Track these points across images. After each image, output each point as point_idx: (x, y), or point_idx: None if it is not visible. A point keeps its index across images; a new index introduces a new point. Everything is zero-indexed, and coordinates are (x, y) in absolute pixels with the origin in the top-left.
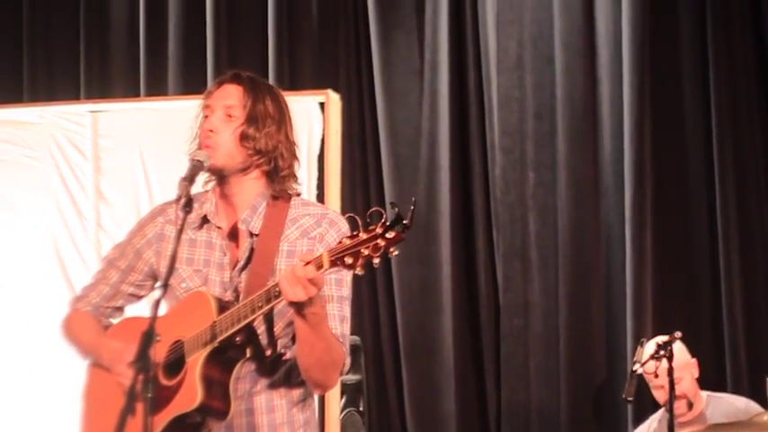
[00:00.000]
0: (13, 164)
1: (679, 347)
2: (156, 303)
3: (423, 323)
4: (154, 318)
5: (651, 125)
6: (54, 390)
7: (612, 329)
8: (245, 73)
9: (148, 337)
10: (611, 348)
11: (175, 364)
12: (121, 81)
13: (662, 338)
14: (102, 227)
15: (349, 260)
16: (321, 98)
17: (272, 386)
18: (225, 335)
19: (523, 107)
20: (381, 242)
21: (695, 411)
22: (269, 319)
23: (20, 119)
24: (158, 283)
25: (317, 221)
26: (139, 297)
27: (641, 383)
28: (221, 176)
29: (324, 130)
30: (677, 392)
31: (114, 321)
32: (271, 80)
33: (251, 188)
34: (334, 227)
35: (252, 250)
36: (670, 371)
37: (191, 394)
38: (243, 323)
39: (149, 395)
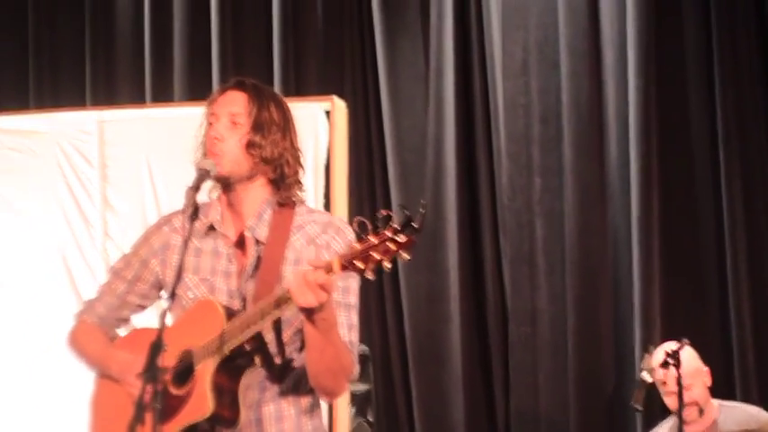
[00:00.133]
0: (19, 172)
1: (691, 355)
2: (164, 313)
3: (430, 331)
4: (162, 328)
5: (657, 129)
6: (64, 399)
7: (620, 335)
8: (249, 80)
9: (156, 348)
10: (620, 354)
11: (185, 373)
12: (127, 88)
13: (670, 345)
14: (108, 235)
15: (360, 264)
16: (327, 105)
17: (281, 395)
18: (234, 342)
19: (529, 112)
20: (392, 246)
21: (707, 419)
22: (277, 327)
23: (26, 127)
24: (164, 293)
25: (323, 229)
26: (145, 307)
27: (650, 391)
28: (227, 184)
29: (330, 137)
30: (688, 399)
31: (121, 332)
32: (276, 87)
33: (256, 196)
34: (340, 234)
35: (258, 258)
36: (678, 379)
37: (202, 403)
38: (252, 330)
39: (158, 406)
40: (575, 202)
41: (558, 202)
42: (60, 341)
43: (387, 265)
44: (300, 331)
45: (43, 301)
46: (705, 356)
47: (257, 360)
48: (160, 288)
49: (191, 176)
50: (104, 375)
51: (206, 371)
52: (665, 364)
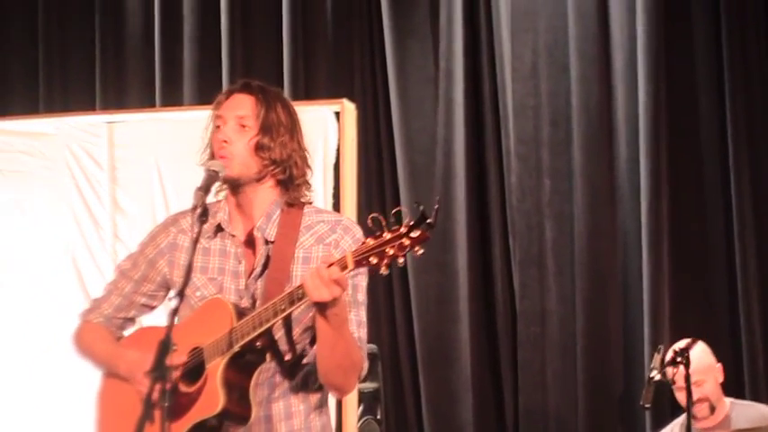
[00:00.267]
0: (29, 175)
1: (704, 351)
2: (173, 312)
3: (440, 331)
4: (170, 326)
5: (667, 132)
6: (71, 399)
7: (629, 336)
8: (255, 82)
9: (165, 346)
10: (629, 355)
11: (195, 370)
12: (137, 91)
13: (682, 344)
14: (118, 237)
15: (374, 260)
16: (336, 107)
17: (290, 392)
18: (246, 339)
19: (539, 115)
20: (406, 241)
21: (718, 416)
22: (287, 324)
23: (36, 130)
24: (173, 293)
25: (331, 228)
26: (152, 308)
27: (658, 390)
28: (235, 186)
29: (339, 139)
30: (700, 395)
31: (126, 333)
32: (286, 89)
33: (265, 196)
34: (348, 233)
35: (268, 257)
36: (687, 377)
37: (212, 400)
38: (265, 327)
39: (166, 403)
40: (584, 205)
41: (567, 205)
42: (69, 342)
43: (401, 260)
44: (309, 329)
45: (53, 302)
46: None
47: (268, 357)
48: (167, 288)
49: (200, 178)
50: (111, 374)
51: (216, 368)
52: (673, 362)
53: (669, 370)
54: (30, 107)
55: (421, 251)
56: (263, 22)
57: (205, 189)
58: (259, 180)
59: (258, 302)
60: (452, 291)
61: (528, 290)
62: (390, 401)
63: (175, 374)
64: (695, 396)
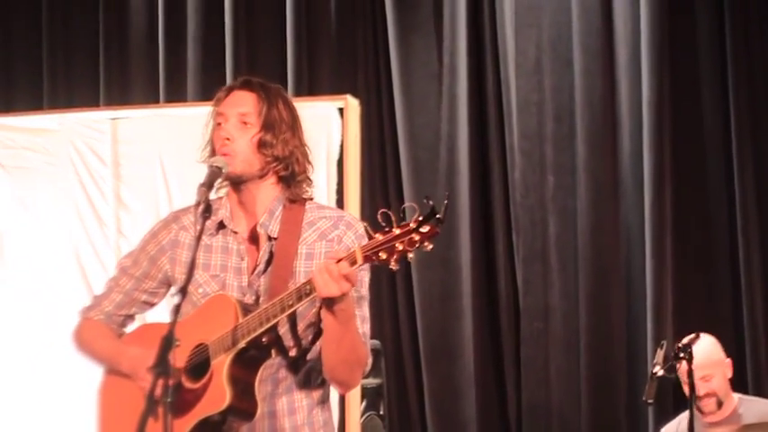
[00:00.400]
0: (33, 171)
1: (713, 345)
2: (176, 308)
3: (443, 327)
4: (173, 322)
5: (670, 127)
6: (74, 395)
7: (633, 331)
8: (255, 79)
9: (168, 342)
10: (632, 350)
11: (199, 367)
12: (141, 87)
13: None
14: (122, 233)
15: (383, 255)
16: (340, 103)
17: (294, 388)
18: (253, 335)
19: (542, 110)
20: (416, 237)
21: (725, 411)
22: (292, 320)
23: (40, 126)
24: (174, 290)
25: (333, 224)
26: (152, 305)
27: (661, 386)
28: (236, 182)
29: (343, 135)
30: (707, 390)
31: (126, 330)
32: (290, 86)
33: (267, 193)
34: (351, 229)
35: (271, 254)
36: (690, 372)
37: (218, 396)
38: (272, 322)
39: (169, 399)
40: (588, 200)
41: (570, 200)
42: (69, 339)
43: (411, 255)
44: (313, 324)
45: (56, 298)
46: None
47: (273, 352)
48: (168, 285)
49: (203, 174)
50: (113, 371)
51: (222, 364)
52: (676, 357)
53: (677, 365)
54: (34, 103)
55: (430, 246)
56: (267, 18)
57: (208, 185)
58: (261, 177)
59: (262, 299)
60: (455, 287)
61: (531, 286)
62: (393, 397)
63: (180, 370)
64: (703, 390)
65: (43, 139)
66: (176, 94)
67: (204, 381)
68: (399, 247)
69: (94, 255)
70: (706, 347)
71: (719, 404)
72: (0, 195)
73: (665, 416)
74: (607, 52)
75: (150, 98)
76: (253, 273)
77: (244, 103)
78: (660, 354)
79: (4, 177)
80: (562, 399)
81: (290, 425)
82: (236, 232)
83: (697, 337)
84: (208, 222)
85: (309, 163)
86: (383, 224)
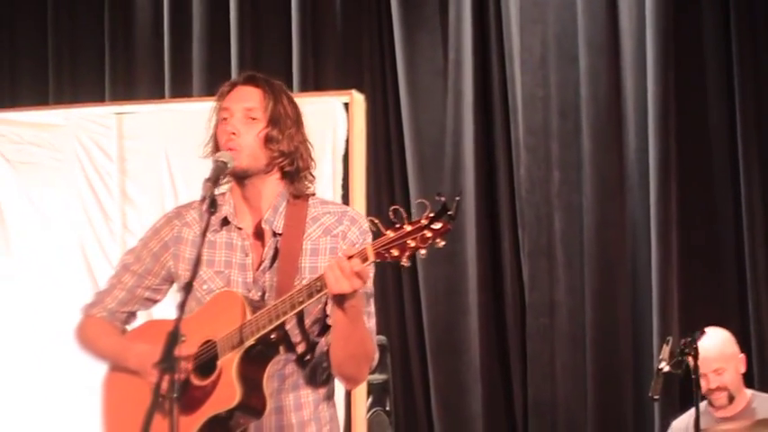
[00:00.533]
0: (39, 166)
1: (727, 339)
2: (182, 305)
3: (449, 323)
4: (179, 318)
5: (676, 122)
6: (80, 390)
7: (638, 327)
8: (259, 74)
9: (174, 338)
10: (638, 346)
11: (207, 364)
12: (146, 83)
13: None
14: (127, 228)
15: (395, 252)
16: (345, 99)
17: (300, 384)
18: (263, 331)
19: (548, 106)
20: (428, 233)
21: (737, 406)
22: (299, 316)
23: (45, 121)
24: (177, 286)
25: (338, 219)
26: (155, 301)
27: (667, 381)
28: (241, 177)
29: (348, 130)
30: (719, 383)
31: (129, 327)
32: (295, 81)
33: (271, 188)
34: (355, 224)
35: (276, 250)
36: (695, 368)
37: (228, 393)
38: (282, 319)
39: (175, 395)
40: (593, 196)
41: (576, 196)
42: (71, 337)
43: (423, 252)
44: (319, 321)
45: (62, 293)
46: None
47: (281, 349)
48: (171, 282)
49: (209, 170)
50: (118, 368)
51: (232, 360)
52: (682, 353)
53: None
54: (39, 99)
55: (443, 243)
56: (272, 13)
57: (214, 180)
58: (266, 172)
59: (267, 295)
60: (461, 282)
61: (537, 281)
62: (399, 393)
63: (188, 367)
64: (714, 384)
65: (49, 134)
66: (182, 90)
67: (213, 378)
68: (411, 243)
69: (100, 250)
70: (720, 341)
71: (731, 399)
72: (6, 190)
73: (671, 412)
74: (612, 48)
75: (156, 95)
76: (258, 269)
77: (249, 98)
78: (666, 349)
79: (10, 173)
80: (568, 394)
81: (296, 420)
82: (240, 228)
83: (702, 332)
84: (213, 218)
85: (312, 159)
86: (394, 221)
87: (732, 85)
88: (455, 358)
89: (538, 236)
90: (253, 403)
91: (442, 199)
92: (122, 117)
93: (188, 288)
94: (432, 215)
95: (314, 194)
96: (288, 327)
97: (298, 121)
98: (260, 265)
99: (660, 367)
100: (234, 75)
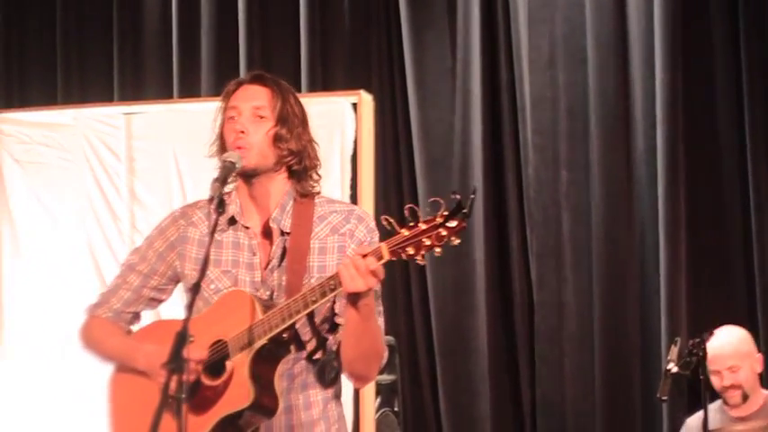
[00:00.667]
0: (47, 166)
1: (744, 337)
2: (190, 305)
3: (457, 323)
4: (187, 318)
5: (684, 122)
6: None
7: (647, 328)
8: (266, 74)
9: (182, 338)
10: (646, 347)
11: (218, 364)
12: (154, 83)
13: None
14: (136, 228)
15: (410, 250)
16: (354, 99)
17: (309, 383)
18: (276, 331)
19: (556, 106)
20: (443, 231)
21: (752, 406)
22: (309, 315)
23: (54, 121)
24: (184, 286)
25: (345, 218)
26: (160, 301)
27: (676, 382)
28: (249, 176)
29: (357, 130)
30: (733, 381)
31: (133, 327)
32: (304, 81)
33: (279, 187)
34: (362, 223)
35: (284, 249)
36: (703, 370)
37: (242, 393)
38: (294, 319)
39: (183, 395)
40: (601, 196)
41: (584, 196)
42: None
43: (437, 250)
44: (328, 319)
45: (71, 294)
46: None
47: (293, 348)
48: (177, 282)
49: (217, 169)
50: (125, 368)
51: (244, 360)
52: (690, 354)
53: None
54: (48, 100)
55: (457, 241)
56: (280, 13)
57: (222, 180)
58: (274, 171)
59: (276, 294)
60: (470, 282)
61: (545, 281)
62: (408, 393)
63: (199, 367)
64: (728, 381)
65: (58, 134)
66: (190, 90)
67: (225, 378)
68: (427, 242)
69: (109, 249)
70: (735, 338)
71: (745, 397)
72: (15, 191)
73: (680, 412)
74: (620, 47)
75: (164, 95)
76: (266, 268)
77: (258, 97)
78: (674, 350)
79: (20, 173)
80: (576, 394)
81: (306, 419)
82: (247, 227)
83: (711, 333)
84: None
85: (318, 158)
86: (409, 219)
87: (741, 85)
88: (463, 359)
89: (546, 236)
90: (265, 403)
91: (457, 197)
92: (131, 117)
93: (196, 289)
94: (446, 213)
95: (320, 193)
96: (297, 326)
97: (304, 120)
98: (268, 264)
99: (668, 368)
100: (242, 75)
